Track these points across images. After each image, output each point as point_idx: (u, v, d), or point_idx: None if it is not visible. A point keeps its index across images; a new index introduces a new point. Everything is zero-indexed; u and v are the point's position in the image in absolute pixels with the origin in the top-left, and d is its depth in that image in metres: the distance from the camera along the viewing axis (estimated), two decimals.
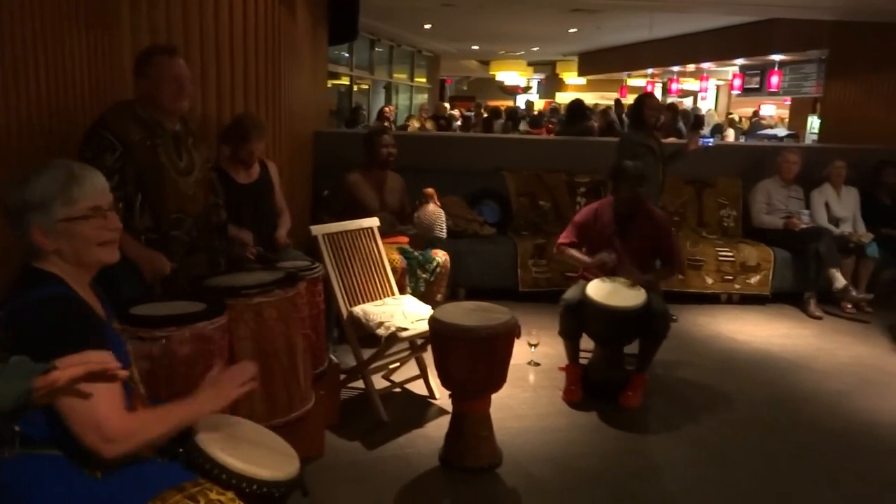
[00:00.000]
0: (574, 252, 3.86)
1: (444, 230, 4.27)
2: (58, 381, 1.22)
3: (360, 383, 3.44)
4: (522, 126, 10.97)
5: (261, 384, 2.51)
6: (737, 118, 14.50)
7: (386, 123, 9.62)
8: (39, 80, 2.41)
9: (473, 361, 2.80)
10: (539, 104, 20.31)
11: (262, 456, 1.67)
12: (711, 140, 5.54)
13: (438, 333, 2.87)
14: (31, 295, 1.46)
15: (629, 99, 13.14)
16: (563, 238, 3.91)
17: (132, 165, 2.46)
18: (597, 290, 3.53)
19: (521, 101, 21.18)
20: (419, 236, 4.27)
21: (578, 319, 3.59)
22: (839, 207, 5.72)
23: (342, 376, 3.47)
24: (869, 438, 3.33)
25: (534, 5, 9.94)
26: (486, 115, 12.74)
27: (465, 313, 2.91)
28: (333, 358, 3.44)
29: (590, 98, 16.20)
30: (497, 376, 2.89)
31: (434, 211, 4.16)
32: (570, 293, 3.66)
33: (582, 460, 3.03)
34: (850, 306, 5.30)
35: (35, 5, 2.36)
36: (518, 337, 2.92)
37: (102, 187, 1.60)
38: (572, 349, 3.71)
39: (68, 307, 1.49)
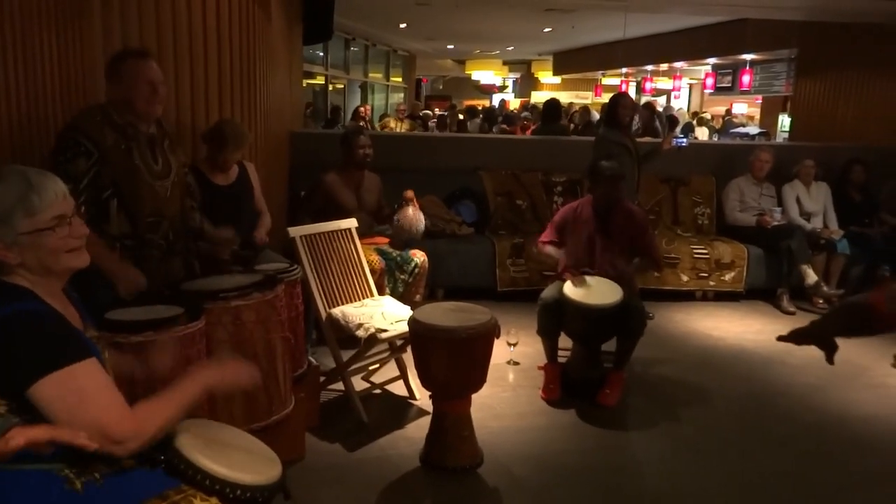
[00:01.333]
0: (551, 250, 3.89)
1: (422, 234, 4.26)
2: (16, 446, 1.22)
3: (339, 385, 3.43)
4: (496, 129, 11.02)
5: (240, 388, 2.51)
6: (708, 116, 14.70)
7: (362, 123, 9.60)
8: (9, 79, 2.36)
9: (453, 362, 2.81)
10: (515, 103, 20.40)
11: (244, 461, 1.66)
12: (685, 140, 5.61)
13: (418, 334, 2.87)
14: (0, 311, 1.41)
15: (604, 98, 13.26)
16: (544, 237, 3.94)
17: (107, 170, 2.43)
18: (574, 288, 3.56)
19: (496, 100, 21.26)
20: (397, 238, 4.26)
21: (556, 318, 3.62)
22: (810, 202, 5.84)
23: (322, 378, 3.45)
24: (841, 430, 3.41)
25: (508, 5, 9.98)
26: (461, 116, 12.77)
27: (445, 314, 2.92)
28: (313, 360, 3.42)
29: (565, 97, 16.31)
30: (477, 376, 2.90)
31: (413, 214, 4.15)
32: (548, 292, 3.68)
33: (562, 457, 3.05)
34: (821, 301, 5.40)
35: (5, 6, 2.32)
36: (497, 337, 2.94)
37: (63, 193, 1.53)
38: (551, 348, 3.73)
39: (44, 322, 1.44)
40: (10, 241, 1.45)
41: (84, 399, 1.40)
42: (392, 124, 10.66)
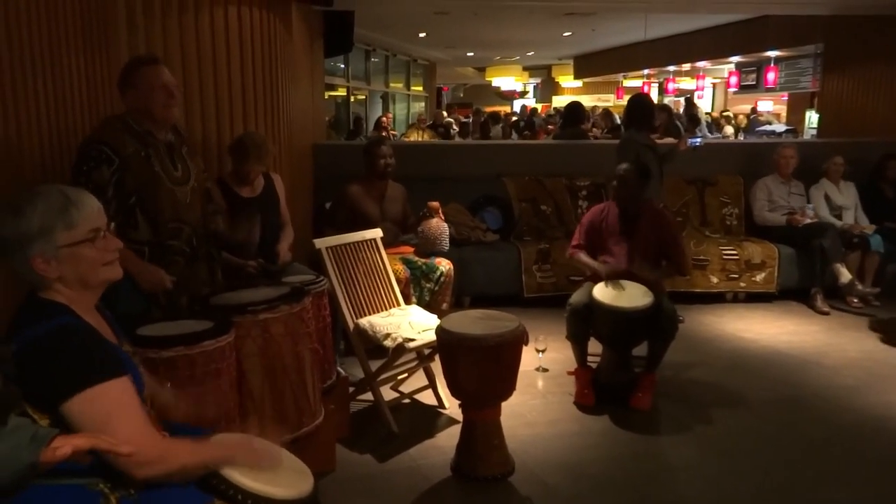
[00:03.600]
0: (586, 258, 3.84)
1: (447, 244, 4.25)
2: (64, 454, 1.23)
3: (368, 395, 3.43)
4: (514, 136, 11.02)
5: (270, 400, 2.52)
6: (731, 115, 14.52)
7: (384, 133, 9.65)
8: (39, 99, 2.41)
9: (482, 370, 2.79)
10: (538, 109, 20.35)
11: (276, 475, 1.66)
12: (699, 140, 5.52)
13: (446, 343, 2.86)
14: (38, 328, 1.44)
15: (625, 100, 13.15)
16: (574, 241, 3.90)
17: (129, 176, 2.46)
18: (604, 292, 3.52)
19: (516, 106, 21.21)
20: (422, 249, 4.26)
21: (586, 322, 3.58)
22: (839, 197, 5.73)
23: (351, 389, 3.46)
24: (882, 433, 3.31)
25: (527, 11, 9.97)
26: (483, 118, 12.77)
27: (472, 322, 2.90)
28: (341, 371, 3.43)
29: (586, 100, 16.21)
30: (506, 384, 2.88)
31: (438, 225, 4.15)
32: (577, 296, 3.65)
33: (595, 465, 3.01)
34: (856, 301, 5.28)
35: (34, 30, 2.37)
36: (526, 344, 2.91)
37: (98, 208, 1.59)
38: (581, 353, 3.69)
39: (80, 338, 1.46)
40: (51, 255, 1.49)
41: (116, 416, 1.42)
42: (414, 135, 10.70)
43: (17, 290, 1.60)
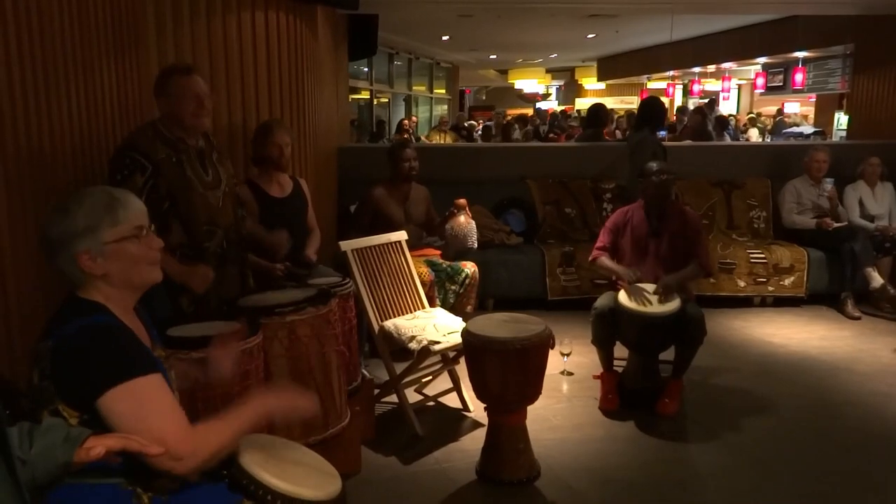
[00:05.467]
0: (608, 263, 3.79)
1: (476, 242, 4.23)
2: (97, 455, 1.25)
3: (393, 398, 3.43)
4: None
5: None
6: (755, 116, 14.36)
7: (406, 135, 9.67)
8: (71, 103, 2.45)
9: (508, 374, 2.78)
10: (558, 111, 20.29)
11: (305, 476, 1.67)
12: (663, 132, 5.56)
13: (472, 346, 2.85)
14: (75, 324, 1.46)
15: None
16: (599, 243, 3.84)
17: (162, 183, 2.50)
18: (629, 296, 3.48)
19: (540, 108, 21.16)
20: (451, 248, 4.25)
21: (611, 327, 3.55)
22: (874, 204, 5.61)
23: (375, 391, 3.46)
24: None
25: (550, 13, 9.91)
26: (505, 121, 12.75)
27: (498, 325, 2.89)
28: (366, 373, 3.43)
29: (609, 103, 16.13)
30: (533, 388, 2.86)
31: (466, 223, 4.14)
32: (602, 301, 3.61)
33: (621, 471, 2.98)
34: (888, 306, 5.18)
35: (66, 34, 2.41)
36: (552, 347, 2.89)
37: (142, 209, 1.62)
38: (606, 357, 3.66)
39: (114, 336, 1.48)
40: (97, 251, 1.51)
41: (149, 412, 1.44)
42: (436, 138, 10.72)
43: (59, 292, 1.63)
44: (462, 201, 4.24)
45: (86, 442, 1.28)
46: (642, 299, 3.42)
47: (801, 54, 11.57)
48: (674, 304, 3.40)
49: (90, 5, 2.60)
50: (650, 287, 3.51)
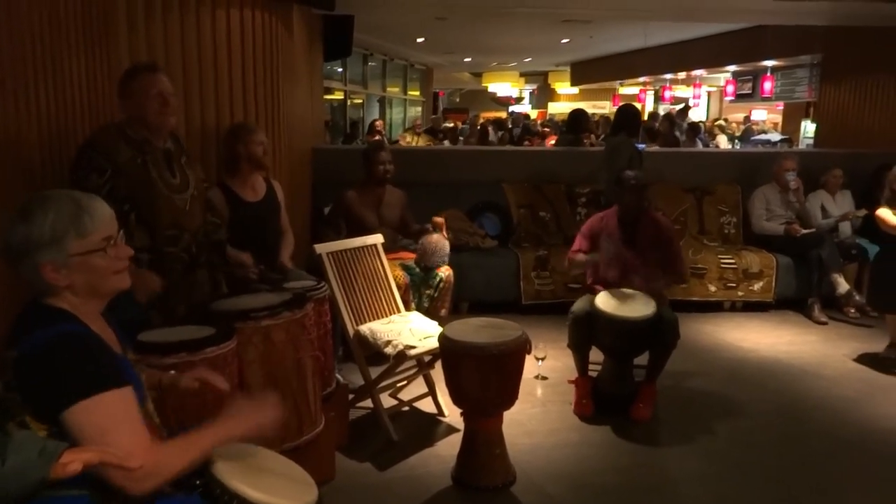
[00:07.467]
0: (583, 256, 3.81)
1: (445, 261, 4.18)
2: (73, 471, 1.21)
3: (367, 402, 3.40)
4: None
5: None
6: (724, 123, 14.60)
7: (378, 137, 9.61)
8: (39, 100, 2.39)
9: (485, 379, 2.77)
10: (533, 115, 20.43)
11: (280, 485, 1.63)
12: (643, 145, 5.65)
13: (449, 351, 2.83)
14: (42, 334, 1.40)
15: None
16: (574, 247, 3.86)
17: (123, 184, 2.43)
18: (606, 301, 3.50)
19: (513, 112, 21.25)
20: (420, 261, 4.23)
21: (588, 331, 3.56)
22: (835, 208, 5.78)
23: (350, 396, 3.42)
24: (882, 445, 3.30)
25: (526, 17, 9.96)
26: (479, 126, 12.77)
27: (476, 330, 2.88)
28: (340, 378, 3.39)
29: (582, 107, 16.25)
30: (509, 393, 2.85)
31: (439, 240, 4.11)
32: (579, 305, 3.63)
33: (597, 476, 2.99)
34: (853, 311, 5.28)
35: (35, 30, 2.34)
36: (529, 352, 2.89)
37: (111, 215, 1.56)
38: (582, 361, 3.67)
39: (83, 345, 1.43)
40: (61, 262, 1.46)
41: (115, 427, 1.39)
42: (409, 139, 10.67)
43: (20, 296, 1.57)
44: (440, 220, 4.23)
45: (62, 456, 1.23)
46: (622, 300, 3.45)
47: (769, 63, 11.80)
48: (650, 309, 3.42)
49: (60, 1, 2.53)
50: (629, 292, 3.54)
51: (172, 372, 1.90)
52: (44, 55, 2.40)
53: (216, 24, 3.60)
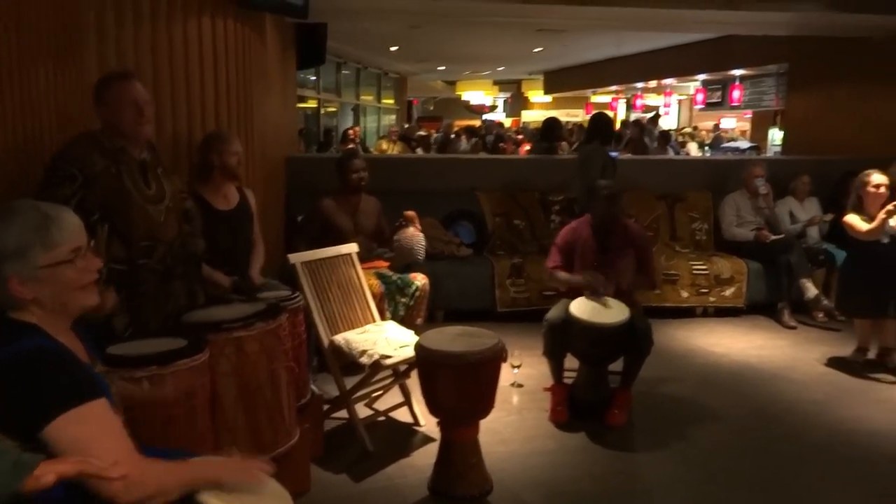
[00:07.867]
0: (565, 275, 3.83)
1: (423, 254, 4.23)
2: (47, 483, 1.18)
3: (342, 413, 3.37)
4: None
5: (244, 420, 2.46)
6: (693, 131, 14.86)
7: (352, 145, 9.58)
8: (6, 111, 2.34)
9: (462, 388, 2.76)
10: (507, 123, 20.54)
11: (253, 501, 1.61)
12: (616, 153, 5.77)
13: (426, 361, 2.83)
14: (9, 350, 1.37)
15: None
16: (551, 262, 3.88)
17: (94, 194, 2.38)
18: (581, 307, 3.52)
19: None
20: (398, 260, 4.23)
21: (563, 338, 3.58)
22: (803, 214, 5.90)
23: (325, 407, 3.40)
24: (850, 448, 3.36)
25: (499, 26, 10.03)
26: (453, 134, 12.81)
27: (452, 339, 2.88)
28: (315, 389, 3.36)
29: (555, 115, 16.39)
30: (485, 402, 2.85)
31: (414, 234, 4.13)
32: (554, 312, 3.64)
33: (573, 483, 3.00)
34: (821, 315, 5.38)
35: (2, 39, 2.30)
36: (505, 361, 2.90)
37: (79, 225, 1.53)
38: (557, 369, 3.69)
39: (51, 361, 1.40)
40: (27, 275, 1.43)
41: (96, 437, 1.37)
42: (385, 146, 10.67)
43: None
44: (411, 213, 4.23)
45: (37, 468, 1.20)
46: (596, 307, 3.48)
47: (738, 72, 12.02)
48: (624, 315, 3.45)
49: (28, 8, 2.49)
50: (604, 299, 3.57)
51: (146, 384, 1.87)
52: (11, 64, 2.35)
53: (188, 33, 3.56)
